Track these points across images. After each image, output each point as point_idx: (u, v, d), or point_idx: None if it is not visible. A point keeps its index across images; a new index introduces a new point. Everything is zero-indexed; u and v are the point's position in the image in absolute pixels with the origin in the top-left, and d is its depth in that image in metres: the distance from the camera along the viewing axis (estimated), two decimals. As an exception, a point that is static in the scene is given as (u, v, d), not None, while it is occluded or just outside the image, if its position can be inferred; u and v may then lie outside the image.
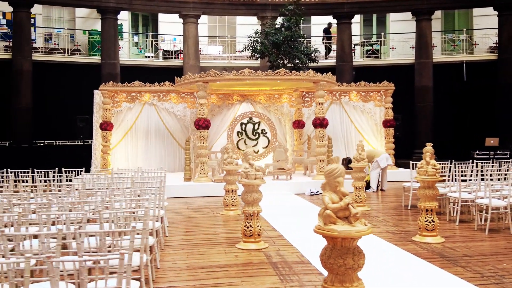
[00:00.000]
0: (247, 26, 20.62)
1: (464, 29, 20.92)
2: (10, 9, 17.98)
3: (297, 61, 16.95)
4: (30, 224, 5.52)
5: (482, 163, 10.33)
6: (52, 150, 16.98)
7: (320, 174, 13.15)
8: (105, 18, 18.63)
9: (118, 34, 19.25)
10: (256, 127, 15.14)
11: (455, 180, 9.20)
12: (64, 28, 20.64)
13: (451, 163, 10.36)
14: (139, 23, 22.28)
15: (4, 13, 19.27)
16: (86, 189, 7.88)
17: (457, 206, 8.62)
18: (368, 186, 12.69)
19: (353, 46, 20.43)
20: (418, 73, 19.48)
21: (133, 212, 5.51)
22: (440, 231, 7.49)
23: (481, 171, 9.42)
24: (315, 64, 17.57)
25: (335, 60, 20.22)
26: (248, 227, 6.91)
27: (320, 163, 13.24)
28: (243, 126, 15.07)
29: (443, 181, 9.74)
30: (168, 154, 15.90)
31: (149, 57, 21.10)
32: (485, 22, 20.55)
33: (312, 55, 17.40)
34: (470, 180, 9.42)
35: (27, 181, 9.28)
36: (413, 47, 20.19)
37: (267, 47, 16.85)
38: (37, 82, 18.14)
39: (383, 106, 15.96)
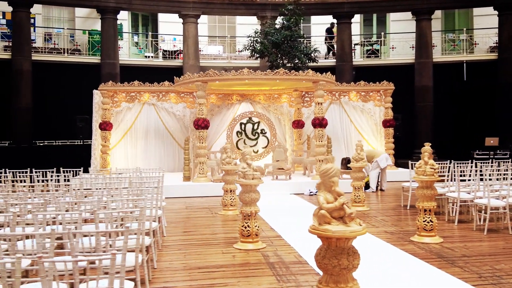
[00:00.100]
0: (247, 26, 20.60)
1: (464, 29, 20.89)
2: (10, 9, 17.98)
3: (297, 61, 16.94)
4: (27, 224, 5.51)
5: (481, 163, 10.31)
6: (52, 150, 16.99)
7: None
8: (104, 18, 18.63)
9: (118, 34, 19.24)
10: (255, 127, 15.13)
11: (454, 180, 9.17)
12: (64, 28, 20.63)
13: (450, 163, 10.34)
14: (139, 23, 22.28)
15: (4, 13, 19.26)
16: (84, 189, 7.86)
17: (456, 206, 8.60)
18: (367, 186, 12.68)
19: (353, 46, 20.41)
20: (418, 73, 19.46)
21: (131, 212, 5.50)
22: (438, 231, 7.47)
23: (480, 171, 9.40)
24: (314, 64, 17.55)
25: (335, 60, 20.21)
26: (245, 227, 6.89)
27: (319, 163, 13.22)
28: (243, 126, 15.06)
29: (442, 181, 9.73)
30: (168, 154, 15.90)
31: (149, 57, 21.09)
32: (485, 22, 20.52)
33: (312, 55, 17.39)
34: (469, 180, 9.39)
35: (25, 181, 9.26)
36: (413, 47, 20.17)
37: (267, 47, 16.84)
38: (37, 82, 18.14)
39: (382, 106, 15.95)
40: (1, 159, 14.41)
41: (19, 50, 17.67)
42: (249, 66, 13.41)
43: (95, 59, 19.40)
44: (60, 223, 4.84)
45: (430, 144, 7.44)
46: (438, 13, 20.84)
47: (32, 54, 18.16)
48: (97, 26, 19.85)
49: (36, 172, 9.38)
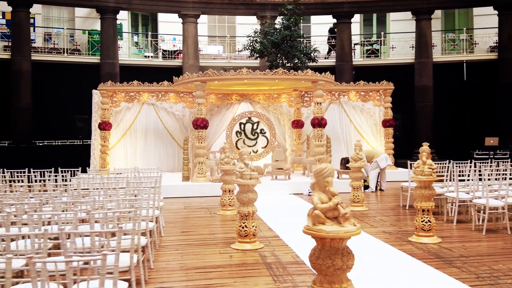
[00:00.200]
0: (246, 26, 20.59)
1: (464, 29, 20.86)
2: (10, 8, 17.98)
3: (296, 61, 16.92)
4: (23, 224, 5.50)
5: (480, 163, 10.28)
6: (52, 150, 16.98)
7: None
8: (104, 18, 18.63)
9: (117, 33, 19.24)
10: (255, 127, 15.10)
11: (453, 180, 9.15)
12: (63, 28, 20.64)
13: (449, 163, 10.32)
14: (139, 23, 22.28)
15: (3, 13, 19.27)
16: (82, 189, 7.85)
17: (455, 206, 8.58)
18: (366, 186, 12.66)
19: (353, 45, 20.39)
20: (418, 72, 19.43)
21: (129, 212, 5.49)
22: (437, 231, 7.45)
23: (479, 171, 9.37)
24: (314, 63, 17.54)
25: (335, 60, 20.19)
26: (243, 227, 6.88)
27: (318, 163, 13.21)
28: (242, 126, 15.03)
29: (441, 181, 9.71)
30: (167, 154, 15.88)
31: (148, 56, 21.10)
32: (485, 22, 20.50)
33: (312, 54, 17.37)
34: (468, 180, 9.37)
35: (22, 181, 9.25)
36: (413, 47, 20.14)
37: (266, 47, 16.83)
38: (36, 82, 18.14)
39: (382, 105, 15.92)
40: (1, 159, 14.40)
41: (19, 50, 17.67)
42: (249, 66, 13.40)
43: (95, 59, 19.40)
44: (55, 223, 4.83)
45: (428, 144, 7.42)
46: (438, 13, 20.82)
47: (32, 54, 18.16)
48: (97, 26, 19.85)
49: (34, 172, 9.36)
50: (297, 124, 15.58)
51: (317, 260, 3.38)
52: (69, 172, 9.60)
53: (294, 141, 15.77)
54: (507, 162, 11.31)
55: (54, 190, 7.54)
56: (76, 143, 17.32)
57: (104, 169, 13.38)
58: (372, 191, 12.77)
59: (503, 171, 9.05)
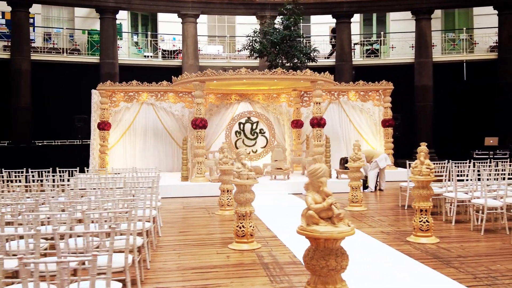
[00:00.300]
0: (246, 26, 20.59)
1: (464, 28, 20.84)
2: (9, 8, 17.99)
3: (296, 61, 16.91)
4: (19, 225, 5.48)
5: (479, 162, 10.26)
6: (51, 150, 16.99)
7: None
8: (104, 18, 18.63)
9: (117, 33, 19.24)
10: (254, 126, 15.08)
11: (452, 180, 9.12)
12: (63, 28, 20.64)
13: (448, 163, 10.29)
14: (139, 23, 22.28)
15: (3, 13, 19.28)
16: (80, 189, 7.84)
17: (453, 206, 8.55)
18: (365, 186, 12.64)
19: (352, 45, 20.37)
20: (418, 72, 19.42)
21: (126, 212, 5.47)
22: (435, 232, 7.43)
23: (478, 170, 9.35)
24: (314, 63, 17.52)
25: (335, 60, 20.17)
26: (240, 227, 6.86)
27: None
28: (241, 125, 15.01)
29: (440, 181, 9.68)
30: (166, 154, 15.86)
31: (148, 56, 21.10)
32: (485, 21, 20.48)
33: (311, 54, 17.36)
34: (467, 180, 9.34)
35: (20, 181, 9.24)
36: (413, 47, 20.13)
37: (266, 47, 16.81)
38: (36, 82, 18.14)
39: (381, 105, 15.90)
40: (0, 159, 14.41)
41: (18, 50, 17.68)
42: (249, 66, 13.39)
43: (95, 59, 19.40)
44: (49, 223, 4.82)
45: (427, 144, 7.40)
46: (438, 13, 20.80)
47: (31, 54, 18.17)
48: (97, 26, 19.86)
49: (32, 172, 9.35)
50: (297, 124, 15.56)
51: (311, 261, 3.36)
52: (67, 172, 9.59)
53: (294, 141, 15.75)
54: (506, 162, 11.28)
55: (52, 190, 7.53)
56: (75, 143, 17.33)
57: (103, 169, 13.37)
58: (371, 191, 12.75)
59: (502, 171, 9.02)
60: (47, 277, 3.48)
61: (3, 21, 19.34)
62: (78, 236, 4.59)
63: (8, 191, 7.90)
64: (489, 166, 10.40)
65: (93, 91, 15.03)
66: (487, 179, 8.37)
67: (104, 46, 18.67)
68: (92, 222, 5.51)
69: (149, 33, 22.08)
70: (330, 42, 21.42)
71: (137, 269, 5.07)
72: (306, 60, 17.11)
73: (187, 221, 9.20)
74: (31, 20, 18.91)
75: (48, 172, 9.43)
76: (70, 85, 18.76)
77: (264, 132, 15.06)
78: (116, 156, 15.27)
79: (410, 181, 9.45)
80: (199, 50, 20.32)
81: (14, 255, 4.34)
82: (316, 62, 17.71)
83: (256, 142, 15.08)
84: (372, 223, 8.65)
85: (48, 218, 5.59)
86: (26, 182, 9.04)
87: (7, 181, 9.15)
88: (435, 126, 19.30)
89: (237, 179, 6.79)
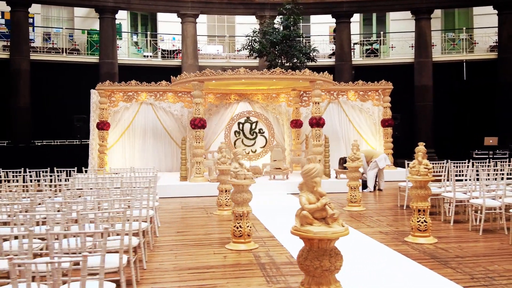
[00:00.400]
0: (246, 25, 20.58)
1: (464, 28, 20.81)
2: (8, 8, 17.99)
3: (296, 61, 16.89)
4: (15, 224, 5.47)
5: (478, 162, 10.23)
6: (50, 149, 16.99)
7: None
8: (103, 18, 18.63)
9: (116, 33, 19.24)
10: (253, 126, 15.06)
11: (450, 180, 9.10)
12: (62, 28, 20.63)
13: (446, 163, 10.27)
14: (138, 23, 22.27)
15: (2, 13, 19.29)
16: (77, 189, 7.82)
17: (452, 206, 8.53)
18: (365, 185, 12.62)
19: (352, 45, 20.35)
20: (417, 72, 19.39)
21: (122, 213, 5.45)
22: (434, 232, 7.41)
23: (477, 170, 9.32)
24: (314, 63, 17.50)
25: (334, 59, 20.15)
26: (237, 228, 6.84)
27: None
28: (241, 125, 14.99)
29: (439, 181, 9.66)
30: (166, 154, 15.85)
31: (147, 56, 21.08)
32: (485, 21, 20.45)
33: (311, 54, 17.34)
34: (466, 180, 9.32)
35: (18, 181, 9.23)
36: (412, 46, 20.10)
37: (265, 46, 16.79)
38: (35, 82, 18.14)
39: (381, 105, 15.87)
40: (0, 159, 14.41)
41: (18, 49, 17.68)
42: (248, 66, 13.38)
43: (94, 59, 19.39)
44: (44, 223, 4.80)
45: (424, 144, 7.38)
46: (437, 12, 20.78)
47: (31, 54, 18.17)
48: (96, 26, 19.86)
49: (30, 172, 9.34)
50: (296, 123, 15.54)
51: (305, 261, 3.34)
52: (65, 172, 9.57)
53: (293, 140, 15.73)
54: (505, 162, 11.25)
55: (49, 190, 7.51)
56: (74, 142, 17.32)
57: (101, 169, 13.36)
58: (370, 191, 12.73)
59: (500, 171, 9.00)
60: (40, 278, 3.47)
61: (3, 21, 19.34)
62: (74, 236, 4.57)
63: (5, 191, 7.89)
64: (488, 166, 10.37)
65: (92, 91, 15.02)
66: (486, 179, 8.35)
67: (103, 46, 18.66)
68: (91, 222, 5.49)
69: (148, 33, 22.07)
70: (332, 42, 21.39)
71: (133, 269, 5.05)
72: (306, 60, 17.09)
73: (185, 221, 9.18)
74: (30, 20, 18.90)
75: (46, 172, 9.41)
76: (69, 85, 18.75)
77: (263, 132, 15.04)
78: (115, 156, 15.26)
79: (408, 180, 9.43)
80: (199, 50, 20.31)
81: (8, 255, 4.31)
82: (315, 62, 17.69)
83: (255, 142, 15.06)
84: (370, 223, 8.62)
85: (44, 218, 5.58)
86: (24, 182, 9.02)
87: (5, 181, 9.13)
88: (435, 126, 19.27)
89: (234, 179, 6.77)
